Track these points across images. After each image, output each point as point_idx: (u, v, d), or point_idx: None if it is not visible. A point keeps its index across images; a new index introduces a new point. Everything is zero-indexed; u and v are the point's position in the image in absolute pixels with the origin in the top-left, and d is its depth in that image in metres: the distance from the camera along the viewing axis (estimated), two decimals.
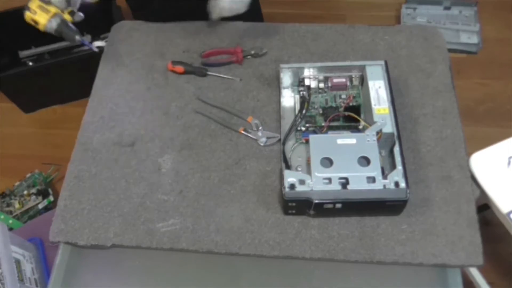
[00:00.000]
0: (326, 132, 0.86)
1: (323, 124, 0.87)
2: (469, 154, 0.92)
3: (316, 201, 0.75)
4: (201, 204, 0.84)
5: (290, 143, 0.86)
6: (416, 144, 0.87)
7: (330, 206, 0.76)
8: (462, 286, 0.77)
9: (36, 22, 0.92)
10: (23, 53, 1.92)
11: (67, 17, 0.94)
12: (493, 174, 1.01)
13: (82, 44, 0.99)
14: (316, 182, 0.76)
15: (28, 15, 0.91)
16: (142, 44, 1.07)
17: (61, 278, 0.85)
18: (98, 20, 1.78)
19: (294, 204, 0.77)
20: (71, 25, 0.94)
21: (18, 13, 1.78)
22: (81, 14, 0.96)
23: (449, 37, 1.85)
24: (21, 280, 1.14)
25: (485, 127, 1.64)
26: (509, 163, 1.03)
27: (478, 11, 1.91)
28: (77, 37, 0.94)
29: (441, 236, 0.77)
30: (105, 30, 1.17)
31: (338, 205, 0.76)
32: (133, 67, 1.04)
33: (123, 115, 0.97)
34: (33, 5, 0.91)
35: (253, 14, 1.08)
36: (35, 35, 1.85)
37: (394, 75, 0.93)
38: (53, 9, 0.92)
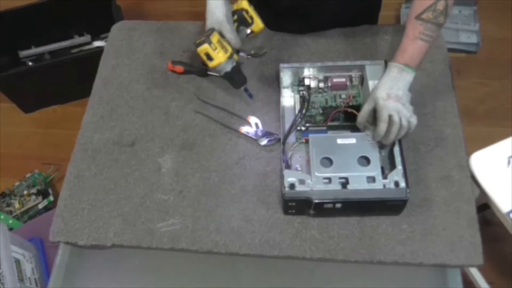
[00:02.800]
0: (326, 132, 0.86)
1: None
2: (469, 154, 0.92)
3: (316, 201, 0.75)
4: (201, 204, 0.84)
5: (290, 143, 0.86)
6: (416, 144, 0.86)
7: (330, 206, 0.76)
8: (462, 286, 0.77)
9: (211, 58, 0.84)
10: (23, 53, 1.92)
11: (235, 56, 0.87)
12: (493, 174, 1.01)
13: (248, 96, 0.91)
14: (316, 182, 0.76)
15: (205, 48, 0.82)
16: (142, 44, 1.07)
17: (61, 278, 0.85)
18: (98, 20, 1.79)
19: (294, 204, 0.77)
20: (242, 71, 0.89)
21: (18, 13, 1.81)
22: (242, 54, 0.89)
23: (448, 37, 1.84)
24: (21, 280, 1.14)
25: (485, 127, 1.64)
26: (509, 162, 1.03)
27: (477, 11, 1.90)
28: (245, 86, 0.90)
29: (441, 236, 0.77)
30: (105, 30, 1.17)
31: (338, 205, 0.76)
32: (133, 67, 1.04)
33: (123, 115, 0.97)
34: (214, 39, 0.82)
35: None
36: (35, 35, 1.89)
37: None
38: (229, 48, 0.85)
